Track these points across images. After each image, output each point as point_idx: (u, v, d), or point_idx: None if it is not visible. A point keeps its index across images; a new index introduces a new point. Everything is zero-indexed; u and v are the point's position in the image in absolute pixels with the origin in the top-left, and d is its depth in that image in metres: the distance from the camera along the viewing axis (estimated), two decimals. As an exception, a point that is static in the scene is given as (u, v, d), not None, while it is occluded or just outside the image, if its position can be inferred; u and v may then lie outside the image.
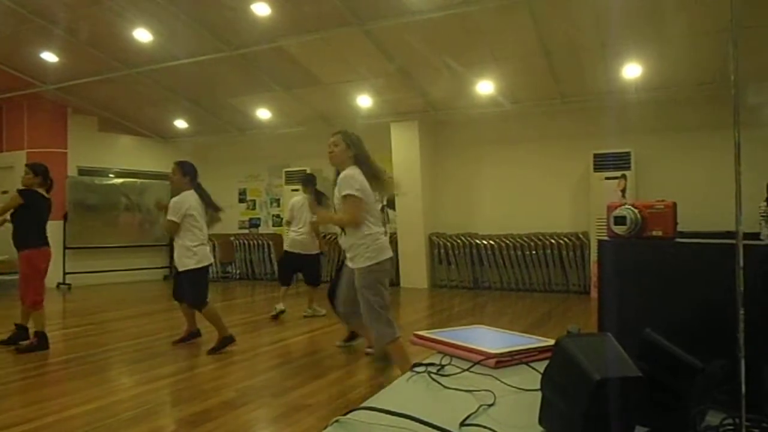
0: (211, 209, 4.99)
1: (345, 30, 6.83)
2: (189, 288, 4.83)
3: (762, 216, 6.78)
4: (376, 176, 3.39)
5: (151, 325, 5.30)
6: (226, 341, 4.78)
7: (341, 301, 3.68)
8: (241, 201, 11.78)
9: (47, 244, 5.04)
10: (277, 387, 3.78)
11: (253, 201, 11.72)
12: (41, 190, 5.05)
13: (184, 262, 4.78)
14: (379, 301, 3.32)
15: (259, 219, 11.64)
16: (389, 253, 3.41)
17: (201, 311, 4.85)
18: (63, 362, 4.52)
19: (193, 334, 5.14)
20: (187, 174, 4.90)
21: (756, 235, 6.52)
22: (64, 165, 10.00)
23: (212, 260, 5.13)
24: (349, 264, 3.43)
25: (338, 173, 3.42)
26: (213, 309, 4.91)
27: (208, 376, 4.11)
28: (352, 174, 3.30)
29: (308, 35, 7.04)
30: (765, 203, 6.82)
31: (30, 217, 4.91)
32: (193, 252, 4.76)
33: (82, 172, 10.33)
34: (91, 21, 7.07)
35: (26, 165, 5.17)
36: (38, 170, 5.07)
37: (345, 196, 3.26)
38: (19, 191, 4.94)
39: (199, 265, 4.79)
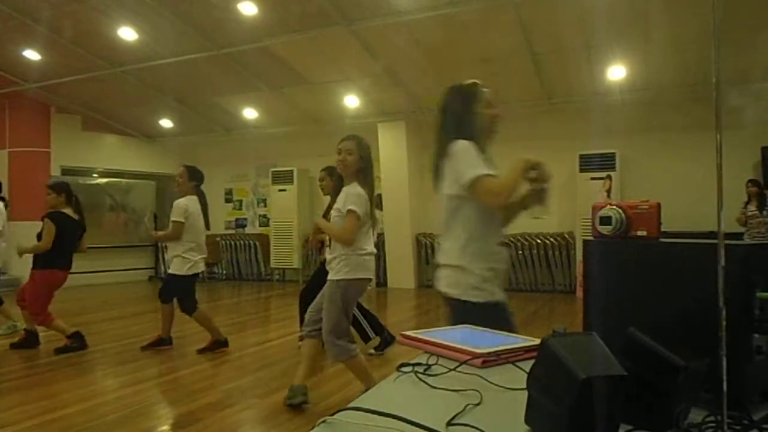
0: (204, 219, 4.93)
1: (332, 30, 6.82)
2: (176, 292, 4.80)
3: (747, 216, 6.87)
4: (372, 199, 3.26)
5: (137, 326, 5.26)
6: (216, 344, 4.80)
7: (313, 306, 3.38)
8: (227, 201, 11.70)
9: (63, 267, 4.91)
10: (264, 388, 3.76)
11: (240, 201, 11.65)
12: (68, 211, 4.93)
13: (177, 266, 4.75)
14: (335, 319, 3.15)
15: (245, 219, 11.58)
16: (366, 274, 3.24)
17: (191, 315, 4.82)
18: (48, 364, 4.47)
19: (164, 341, 4.94)
20: (193, 179, 4.89)
21: (739, 235, 6.61)
22: (47, 165, 9.86)
23: (203, 268, 5.05)
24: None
25: (339, 178, 3.29)
26: (203, 312, 4.88)
27: (194, 377, 4.08)
28: (362, 194, 3.17)
29: (295, 35, 7.02)
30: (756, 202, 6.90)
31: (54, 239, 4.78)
32: (184, 258, 4.74)
33: (66, 171, 10.19)
34: (75, 18, 6.98)
35: (47, 185, 4.98)
36: (61, 188, 4.93)
37: (349, 211, 3.12)
38: (49, 216, 4.82)
39: (190, 273, 4.76)
